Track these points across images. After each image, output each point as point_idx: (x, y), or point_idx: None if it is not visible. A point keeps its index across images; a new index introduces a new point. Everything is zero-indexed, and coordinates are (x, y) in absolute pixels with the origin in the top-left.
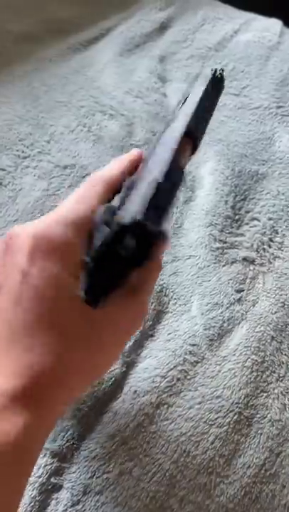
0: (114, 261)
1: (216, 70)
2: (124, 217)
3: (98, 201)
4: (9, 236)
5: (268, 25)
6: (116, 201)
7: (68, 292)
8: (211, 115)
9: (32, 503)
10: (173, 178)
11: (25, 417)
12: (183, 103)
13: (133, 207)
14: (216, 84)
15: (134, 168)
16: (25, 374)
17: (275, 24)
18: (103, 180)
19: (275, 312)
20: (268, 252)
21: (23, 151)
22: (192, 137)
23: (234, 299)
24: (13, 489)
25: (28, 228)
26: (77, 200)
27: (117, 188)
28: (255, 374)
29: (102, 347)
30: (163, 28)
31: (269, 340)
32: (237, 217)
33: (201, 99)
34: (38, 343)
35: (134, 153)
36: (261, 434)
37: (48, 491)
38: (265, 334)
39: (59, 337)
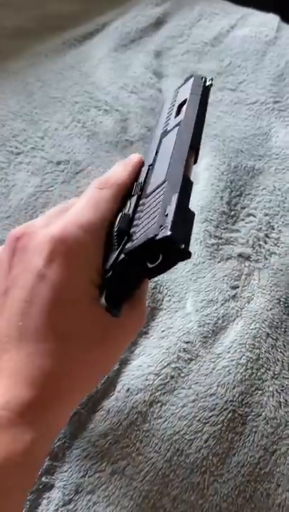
0: (136, 272)
1: (205, 80)
2: (150, 232)
3: (108, 205)
4: (15, 238)
5: (265, 21)
6: (128, 208)
7: (85, 297)
8: (204, 122)
9: (22, 503)
10: (187, 190)
11: (33, 433)
12: (177, 111)
13: (158, 221)
14: (206, 94)
15: (137, 173)
16: (33, 383)
17: (272, 19)
18: (111, 183)
19: (271, 309)
20: (263, 248)
21: (16, 147)
22: (195, 148)
23: (229, 295)
24: (17, 501)
25: (43, 230)
26: (87, 205)
27: (125, 191)
28: (249, 371)
29: (108, 351)
30: (159, 23)
31: (264, 338)
32: (232, 213)
33: (199, 111)
34: (49, 347)
35: (135, 159)
36: (256, 432)
37: (40, 490)
38: (260, 331)
39: (71, 342)
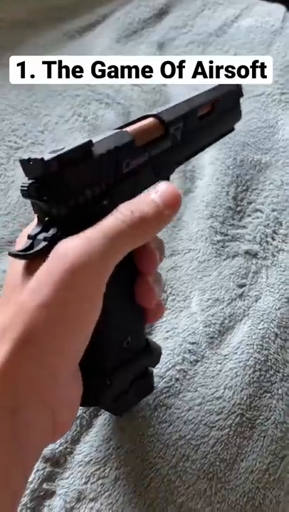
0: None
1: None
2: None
3: None
4: None
5: (270, 11)
6: None
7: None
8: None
9: (23, 511)
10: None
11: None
12: None
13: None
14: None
15: None
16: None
17: (277, 9)
18: None
19: (279, 308)
20: (271, 244)
21: (15, 142)
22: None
23: (236, 294)
24: None
25: None
26: None
27: None
28: (258, 373)
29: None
30: (162, 13)
31: (273, 338)
32: (239, 208)
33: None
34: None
35: None
36: (265, 436)
37: (40, 497)
38: (268, 331)
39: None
